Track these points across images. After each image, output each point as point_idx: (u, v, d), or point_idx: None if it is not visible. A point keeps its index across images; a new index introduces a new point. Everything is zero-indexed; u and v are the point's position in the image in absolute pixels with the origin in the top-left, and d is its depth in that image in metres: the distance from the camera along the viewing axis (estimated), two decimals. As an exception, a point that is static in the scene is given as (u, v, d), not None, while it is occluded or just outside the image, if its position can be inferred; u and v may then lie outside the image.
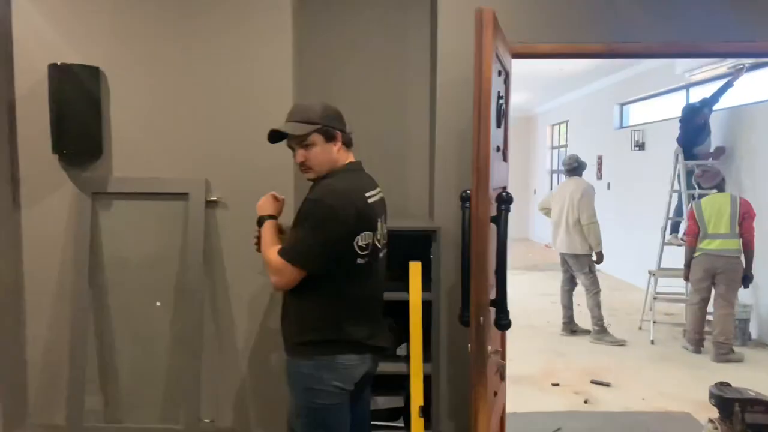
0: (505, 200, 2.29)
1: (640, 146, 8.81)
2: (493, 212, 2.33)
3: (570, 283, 6.34)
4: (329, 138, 2.09)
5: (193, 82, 3.01)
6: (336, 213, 1.96)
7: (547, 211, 6.43)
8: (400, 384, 2.88)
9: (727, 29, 2.97)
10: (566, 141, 12.53)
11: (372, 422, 2.85)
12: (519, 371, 5.10)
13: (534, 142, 14.85)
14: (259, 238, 2.20)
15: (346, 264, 2.03)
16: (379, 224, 2.16)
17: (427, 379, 2.81)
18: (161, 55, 3.00)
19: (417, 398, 2.67)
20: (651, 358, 5.51)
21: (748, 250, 5.40)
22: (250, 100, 2.99)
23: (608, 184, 10.06)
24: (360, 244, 2.04)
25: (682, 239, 6.41)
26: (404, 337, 2.86)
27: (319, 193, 2.02)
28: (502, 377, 2.91)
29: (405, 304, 2.80)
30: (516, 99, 12.37)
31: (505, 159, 2.93)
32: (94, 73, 2.95)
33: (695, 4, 2.98)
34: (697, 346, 5.65)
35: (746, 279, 5.42)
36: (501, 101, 2.59)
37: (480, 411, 2.23)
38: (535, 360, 5.40)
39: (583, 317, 6.34)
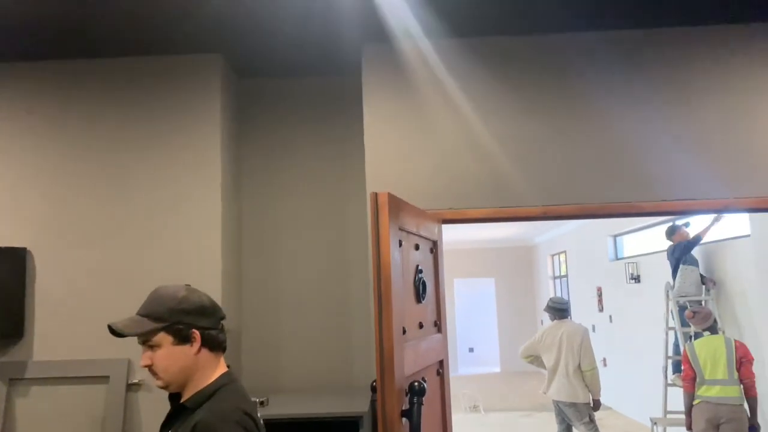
0: (417, 392, 2.09)
1: (636, 279, 8.58)
2: (407, 404, 2.12)
3: (567, 435, 5.85)
4: (180, 339, 1.67)
5: (118, 260, 2.97)
6: None
7: (532, 359, 6.07)
8: None
9: (662, 189, 2.91)
10: (566, 271, 12.32)
11: None
12: None
13: (536, 271, 14.66)
14: None
15: None
16: None
17: None
18: (88, 233, 2.99)
19: None
20: None
21: (751, 397, 4.98)
22: (178, 279, 2.92)
23: (610, 317, 9.71)
24: None
25: (673, 379, 5.99)
26: None
27: (218, 427, 1.55)
28: None
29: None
30: (510, 231, 12.39)
31: (439, 330, 2.77)
32: (21, 254, 2.92)
33: (629, 166, 2.95)
34: (709, 508, 5.04)
35: (753, 429, 4.95)
36: (421, 275, 2.48)
37: None
38: None
39: (583, 474, 5.77)
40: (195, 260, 2.96)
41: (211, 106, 3.07)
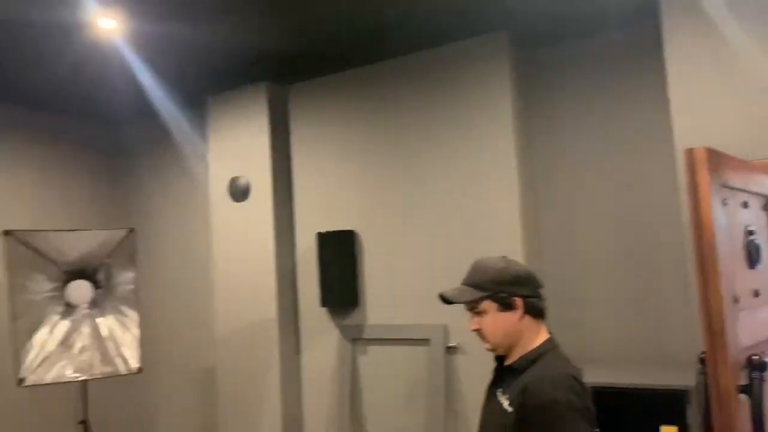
0: (757, 366, 1.86)
1: None
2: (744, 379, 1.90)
3: None
4: (504, 306, 1.82)
5: (430, 237, 3.27)
6: (586, 411, 1.66)
7: None
8: None
9: None
10: None
11: None
12: None
13: None
14: None
15: None
16: None
17: None
18: (403, 217, 3.36)
19: None
20: None
21: None
22: (485, 249, 3.08)
23: None
24: None
25: None
26: None
27: (549, 390, 1.65)
28: None
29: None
30: None
31: (779, 299, 2.39)
32: (350, 236, 3.44)
33: None
34: None
35: None
36: (752, 237, 2.17)
37: None
38: None
39: None
40: (496, 229, 3.07)
41: (500, 82, 3.14)
